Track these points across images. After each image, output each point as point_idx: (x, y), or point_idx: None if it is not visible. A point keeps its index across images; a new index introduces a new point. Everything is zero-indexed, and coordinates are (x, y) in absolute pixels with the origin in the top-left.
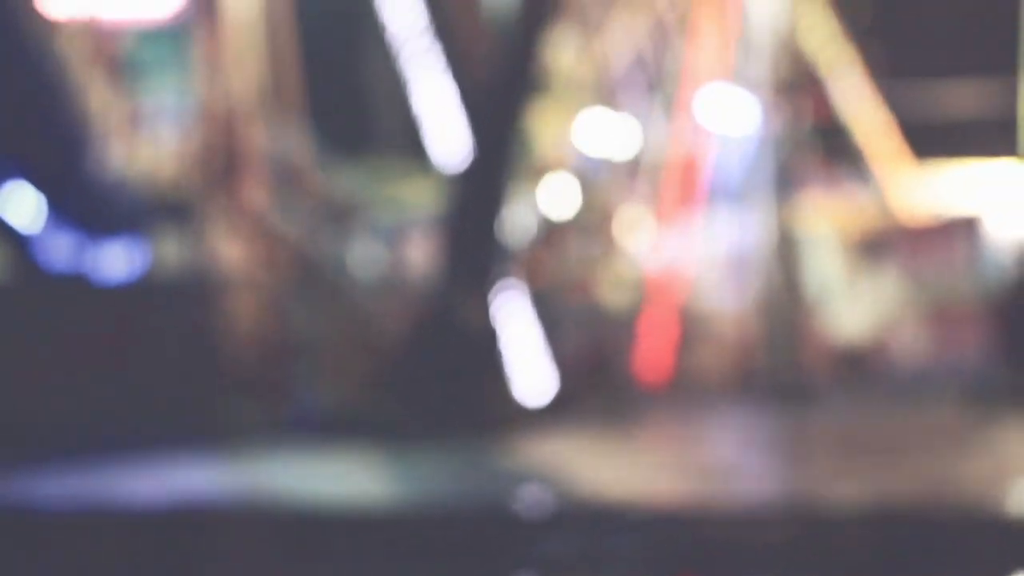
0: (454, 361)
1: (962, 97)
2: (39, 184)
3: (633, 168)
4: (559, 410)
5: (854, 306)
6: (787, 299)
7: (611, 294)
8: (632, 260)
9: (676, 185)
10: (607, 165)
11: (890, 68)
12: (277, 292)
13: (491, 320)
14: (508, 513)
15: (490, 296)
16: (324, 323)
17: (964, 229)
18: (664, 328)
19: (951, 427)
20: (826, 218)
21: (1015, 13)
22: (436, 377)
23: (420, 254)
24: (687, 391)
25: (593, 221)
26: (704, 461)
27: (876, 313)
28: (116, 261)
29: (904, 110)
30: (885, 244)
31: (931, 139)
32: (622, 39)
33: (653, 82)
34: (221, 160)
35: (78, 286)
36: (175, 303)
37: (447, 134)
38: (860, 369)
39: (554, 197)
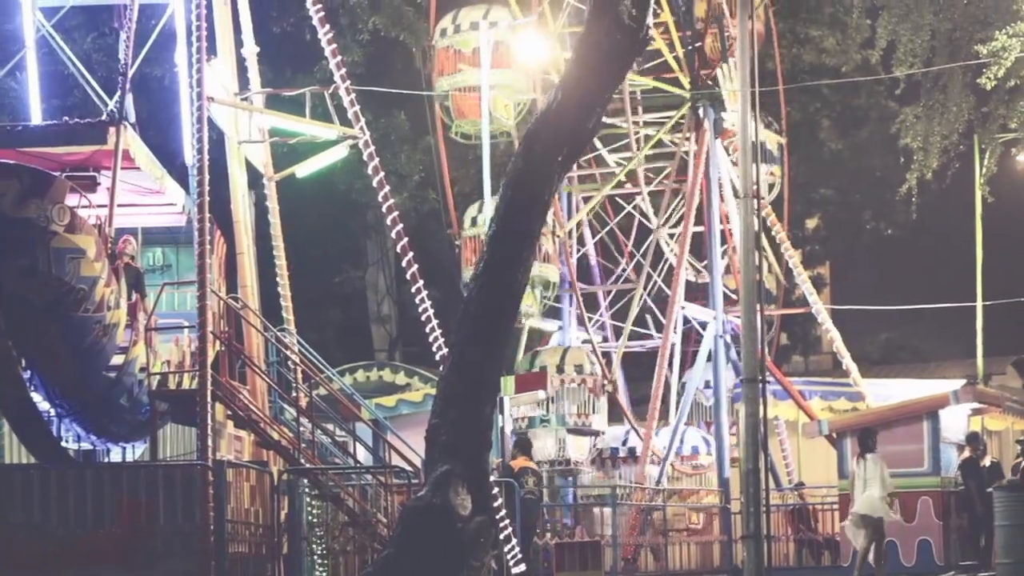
0: (448, 548)
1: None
2: (52, 387)
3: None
4: None
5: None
6: (760, 482)
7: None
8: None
9: (658, 379)
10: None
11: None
12: (276, 482)
13: (485, 508)
14: None
15: (485, 486)
16: (322, 510)
17: (925, 416)
18: (640, 515)
19: None
20: (800, 406)
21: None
22: (430, 564)
23: (415, 444)
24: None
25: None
26: None
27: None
28: (125, 450)
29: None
30: (853, 432)
31: (895, 358)
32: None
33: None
34: (224, 359)
35: (87, 470)
36: (178, 489)
37: (437, 338)
38: (828, 550)
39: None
